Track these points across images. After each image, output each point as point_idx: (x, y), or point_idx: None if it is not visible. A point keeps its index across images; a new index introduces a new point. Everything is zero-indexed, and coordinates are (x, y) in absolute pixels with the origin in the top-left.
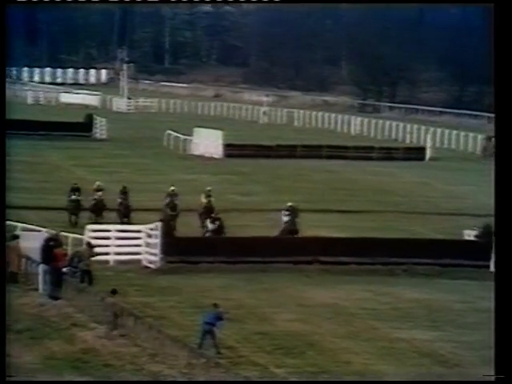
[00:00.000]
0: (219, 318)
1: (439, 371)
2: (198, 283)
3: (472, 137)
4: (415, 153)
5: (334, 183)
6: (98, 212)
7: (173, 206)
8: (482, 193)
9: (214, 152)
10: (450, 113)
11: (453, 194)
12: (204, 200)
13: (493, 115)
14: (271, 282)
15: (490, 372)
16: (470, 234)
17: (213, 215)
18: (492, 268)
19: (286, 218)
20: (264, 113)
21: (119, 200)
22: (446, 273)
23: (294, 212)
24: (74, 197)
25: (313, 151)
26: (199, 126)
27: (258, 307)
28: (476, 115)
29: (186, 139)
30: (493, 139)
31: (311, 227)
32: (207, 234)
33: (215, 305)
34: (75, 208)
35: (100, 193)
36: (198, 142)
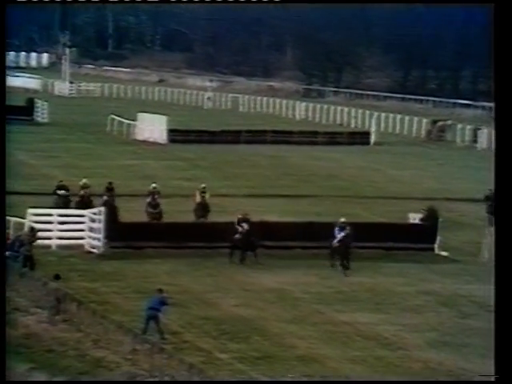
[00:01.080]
0: (163, 303)
1: (383, 354)
2: (142, 268)
3: (416, 121)
4: (360, 137)
5: (280, 168)
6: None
7: (155, 205)
8: (426, 176)
9: (159, 137)
10: (394, 97)
11: (397, 177)
12: (198, 197)
13: (438, 99)
14: (216, 267)
15: (432, 354)
16: (414, 218)
17: (240, 217)
18: (436, 250)
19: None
20: (208, 98)
21: (105, 198)
22: (390, 256)
23: None
24: (61, 192)
25: (258, 136)
26: (143, 111)
27: (202, 292)
28: (421, 100)
29: (129, 124)
30: (437, 123)
31: (257, 212)
32: (237, 236)
33: (159, 290)
34: (64, 204)
35: (87, 190)
36: (142, 127)
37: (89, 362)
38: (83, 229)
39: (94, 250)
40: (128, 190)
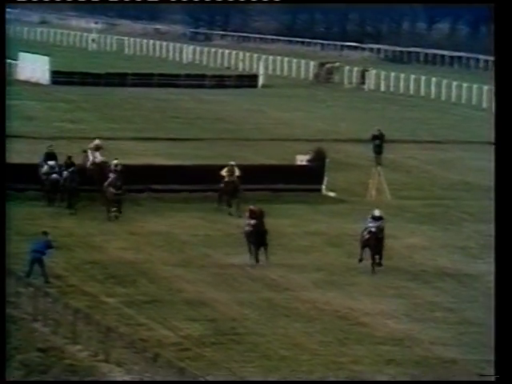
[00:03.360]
0: (48, 246)
1: (270, 295)
2: (25, 211)
3: (304, 64)
4: (247, 80)
5: (166, 111)
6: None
7: (119, 185)
8: (314, 118)
9: (41, 78)
10: (282, 40)
11: (285, 120)
12: (226, 175)
13: (325, 42)
14: (101, 211)
15: (319, 295)
16: (302, 159)
17: (252, 208)
18: (324, 191)
19: None
20: (93, 40)
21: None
22: (278, 198)
23: None
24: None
25: (144, 79)
26: (25, 51)
27: (88, 235)
28: (308, 42)
29: (10, 63)
30: (325, 66)
31: (143, 155)
32: (246, 228)
33: (44, 233)
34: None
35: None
36: (24, 67)
37: None
38: None
39: None
40: (8, 131)
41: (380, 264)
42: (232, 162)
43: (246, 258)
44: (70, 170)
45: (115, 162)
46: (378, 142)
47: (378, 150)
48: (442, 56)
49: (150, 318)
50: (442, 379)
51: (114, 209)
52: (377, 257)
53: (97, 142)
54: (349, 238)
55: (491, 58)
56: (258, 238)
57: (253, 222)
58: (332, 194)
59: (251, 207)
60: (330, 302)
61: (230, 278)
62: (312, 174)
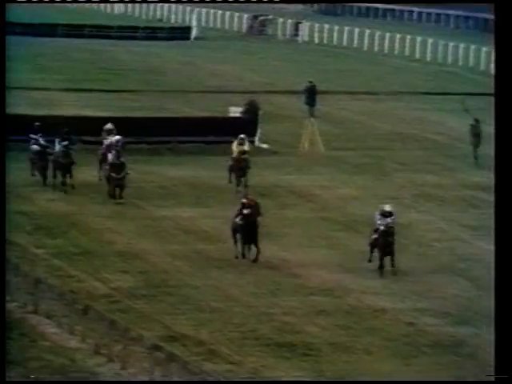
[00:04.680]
0: None
1: (203, 247)
2: None
3: (237, 16)
4: (180, 32)
5: (98, 63)
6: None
7: (118, 165)
8: (247, 70)
9: None
10: None
11: (218, 72)
12: (235, 151)
13: None
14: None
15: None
16: (235, 111)
17: (246, 201)
18: (257, 143)
19: None
20: None
21: None
22: (211, 150)
23: None
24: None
25: (76, 30)
26: None
27: (18, 186)
28: None
29: None
30: (258, 18)
31: (73, 106)
32: (237, 220)
33: None
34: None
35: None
36: None
37: None
38: None
39: None
40: None
41: (392, 265)
42: (242, 136)
43: (179, 211)
44: (64, 143)
45: (117, 137)
46: (311, 93)
47: (311, 102)
48: (376, 9)
49: (80, 269)
50: (372, 328)
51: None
52: (386, 258)
53: (109, 125)
54: (281, 189)
55: (425, 10)
56: (247, 234)
57: (246, 212)
58: (265, 146)
59: (244, 200)
60: (263, 253)
61: (162, 230)
62: (245, 126)
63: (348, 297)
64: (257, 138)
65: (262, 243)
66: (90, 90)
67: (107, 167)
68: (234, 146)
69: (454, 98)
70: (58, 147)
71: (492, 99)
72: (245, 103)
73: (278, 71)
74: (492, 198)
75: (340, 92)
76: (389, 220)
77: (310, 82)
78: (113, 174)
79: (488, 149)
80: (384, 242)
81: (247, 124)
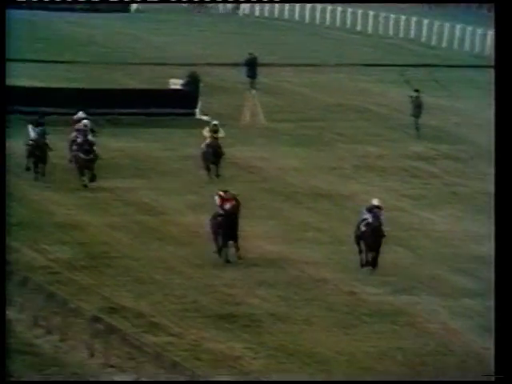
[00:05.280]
0: None
1: (143, 219)
2: None
3: None
4: (120, 5)
5: (35, 33)
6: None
7: (87, 146)
8: (188, 43)
9: None
10: None
11: (159, 44)
12: (207, 136)
13: None
14: None
15: (191, 218)
16: (175, 83)
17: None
18: (197, 115)
19: None
20: None
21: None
22: (152, 122)
23: None
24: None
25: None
26: None
27: None
28: None
29: None
30: None
31: (11, 77)
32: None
33: None
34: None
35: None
36: None
37: None
38: None
39: None
40: None
41: (373, 264)
42: (215, 122)
43: (118, 182)
44: (39, 129)
45: (85, 121)
46: (252, 65)
47: (252, 74)
48: None
49: (18, 240)
50: (313, 298)
51: (84, 177)
52: (371, 254)
53: (80, 114)
54: (222, 161)
55: None
56: (228, 231)
57: (226, 207)
58: (206, 118)
59: (221, 193)
60: (203, 225)
61: (102, 202)
62: (186, 98)
63: (289, 267)
64: (197, 111)
65: (202, 214)
66: (28, 61)
67: (75, 147)
68: (206, 132)
69: (395, 70)
70: (32, 134)
71: (433, 70)
72: (186, 75)
73: (218, 44)
74: (433, 168)
75: (281, 64)
76: (377, 214)
77: (251, 54)
78: (81, 155)
79: (428, 119)
80: (372, 235)
81: (188, 96)
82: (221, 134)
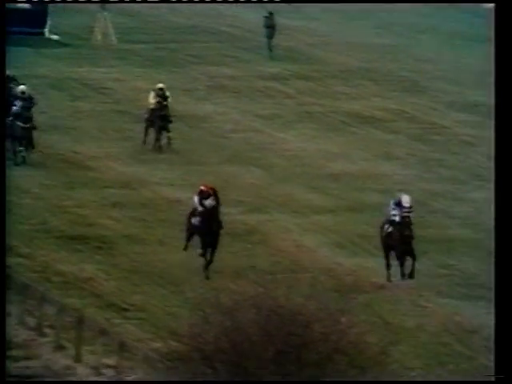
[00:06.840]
0: None
1: None
2: None
3: None
4: None
5: None
6: None
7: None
8: None
9: None
10: None
11: None
12: (152, 101)
13: None
14: None
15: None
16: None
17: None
18: (47, 34)
19: None
20: None
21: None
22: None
23: None
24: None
25: None
26: None
27: None
28: None
29: None
30: None
31: None
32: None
33: None
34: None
35: None
36: None
37: None
38: None
39: None
40: None
41: (411, 274)
42: (161, 85)
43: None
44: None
45: (22, 87)
46: None
47: None
48: None
49: None
50: (166, 219)
51: (22, 148)
52: (408, 258)
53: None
54: (73, 81)
55: None
56: (209, 235)
57: (208, 205)
58: (55, 38)
59: (202, 187)
60: (55, 145)
61: None
62: (34, 17)
63: (143, 189)
64: (47, 30)
65: (53, 135)
66: None
67: (11, 118)
68: (151, 97)
69: None
70: (14, 108)
71: None
72: None
73: None
74: (286, 88)
75: None
76: (405, 209)
77: None
78: (19, 123)
79: (281, 40)
80: (400, 239)
81: (36, 15)
82: (170, 99)
